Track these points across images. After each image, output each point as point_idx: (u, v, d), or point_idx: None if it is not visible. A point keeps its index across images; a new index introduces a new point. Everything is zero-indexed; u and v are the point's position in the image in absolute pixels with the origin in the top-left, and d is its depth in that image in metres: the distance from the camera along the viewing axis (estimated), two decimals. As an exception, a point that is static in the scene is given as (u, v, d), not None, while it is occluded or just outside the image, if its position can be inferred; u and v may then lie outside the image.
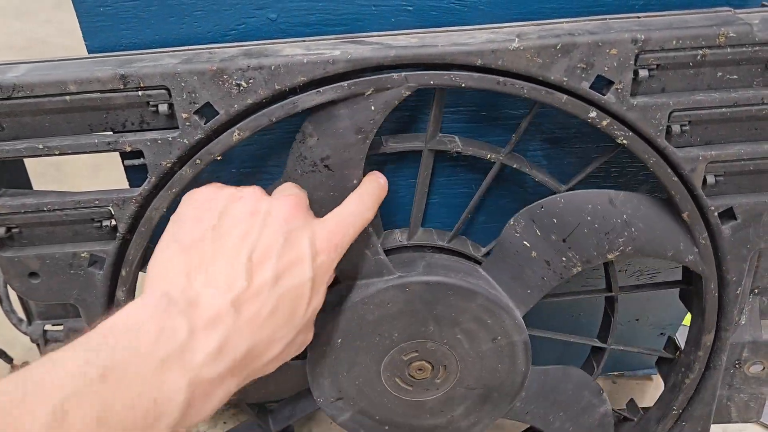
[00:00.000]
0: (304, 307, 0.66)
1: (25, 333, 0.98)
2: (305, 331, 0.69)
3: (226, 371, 0.59)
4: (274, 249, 0.64)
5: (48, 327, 0.97)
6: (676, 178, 0.75)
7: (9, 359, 1.39)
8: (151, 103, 0.70)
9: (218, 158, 0.73)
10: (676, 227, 0.79)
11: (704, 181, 0.76)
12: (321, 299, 0.69)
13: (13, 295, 0.93)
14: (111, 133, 0.73)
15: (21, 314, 0.99)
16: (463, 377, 0.85)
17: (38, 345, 0.98)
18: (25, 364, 1.39)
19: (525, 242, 0.80)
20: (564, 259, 0.80)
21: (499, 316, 0.81)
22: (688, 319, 1.24)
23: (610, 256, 0.80)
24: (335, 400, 0.87)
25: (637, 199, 0.79)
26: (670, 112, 0.71)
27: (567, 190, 0.83)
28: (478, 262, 0.86)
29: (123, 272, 0.79)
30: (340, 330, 0.81)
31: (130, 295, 0.82)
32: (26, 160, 0.84)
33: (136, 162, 0.73)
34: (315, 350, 0.83)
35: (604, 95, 0.70)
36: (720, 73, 0.71)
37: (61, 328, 0.95)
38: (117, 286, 0.81)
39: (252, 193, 0.69)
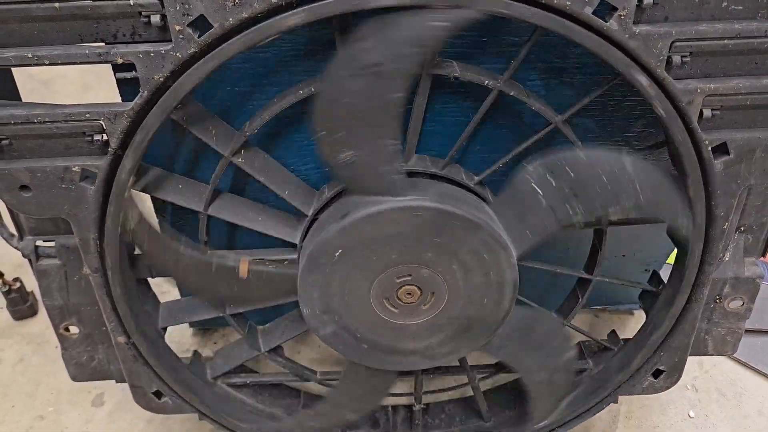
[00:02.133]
0: None
1: (16, 248, 0.97)
2: None
3: None
4: None
5: (39, 243, 0.97)
6: (673, 111, 0.75)
7: None
8: (143, 13, 0.68)
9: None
10: (678, 198, 0.81)
11: (700, 114, 0.76)
12: None
13: (4, 211, 0.93)
14: (102, 44, 0.71)
15: (12, 229, 0.99)
16: (449, 307, 0.87)
17: (30, 260, 0.98)
18: (17, 280, 1.41)
19: (538, 188, 0.81)
20: (569, 208, 0.81)
21: (497, 253, 0.82)
22: (671, 258, 1.27)
23: (611, 212, 0.82)
24: (321, 312, 0.88)
25: (650, 168, 0.80)
26: (672, 42, 0.71)
27: (564, 121, 0.83)
28: (472, 190, 0.87)
29: (114, 188, 0.79)
30: (340, 243, 0.81)
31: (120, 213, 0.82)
32: (15, 77, 0.83)
33: (127, 75, 0.72)
34: (310, 260, 0.83)
35: (606, 22, 0.69)
36: (725, 3, 0.70)
37: (52, 244, 0.95)
38: (108, 203, 0.80)
39: None
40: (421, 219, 0.79)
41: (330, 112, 0.74)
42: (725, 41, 0.71)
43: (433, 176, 0.87)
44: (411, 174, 0.86)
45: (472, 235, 0.81)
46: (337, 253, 0.82)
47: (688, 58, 0.72)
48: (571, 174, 0.79)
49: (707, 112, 0.76)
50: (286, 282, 0.87)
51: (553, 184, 0.80)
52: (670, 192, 0.80)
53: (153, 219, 0.90)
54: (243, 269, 0.86)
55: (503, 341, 0.94)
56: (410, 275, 0.84)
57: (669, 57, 0.72)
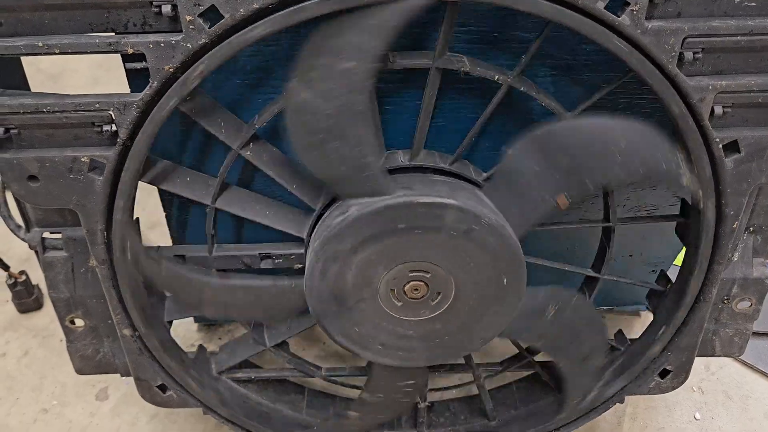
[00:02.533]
0: None
1: (23, 240, 0.97)
2: None
3: None
4: None
5: (46, 234, 0.97)
6: (684, 108, 0.74)
7: (6, 267, 1.40)
8: (154, 3, 0.68)
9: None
10: (674, 153, 0.79)
11: (711, 111, 0.76)
12: None
13: (11, 203, 0.93)
14: (113, 33, 0.71)
15: (19, 221, 0.99)
16: (456, 302, 0.86)
17: (36, 252, 0.98)
18: (22, 273, 1.41)
19: (525, 166, 0.79)
20: (561, 183, 0.79)
21: (489, 234, 0.81)
22: (679, 259, 1.26)
23: (602, 183, 0.80)
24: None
25: (641, 128, 0.78)
26: (684, 38, 0.70)
27: (574, 118, 0.82)
28: (479, 186, 0.86)
29: (123, 180, 0.79)
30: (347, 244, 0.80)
31: (130, 203, 0.82)
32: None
33: (137, 65, 0.72)
34: (322, 263, 0.82)
35: (618, 17, 0.69)
36: None
37: (59, 235, 0.95)
38: (116, 194, 0.80)
39: None
40: (416, 214, 0.79)
41: (300, 123, 0.75)
42: (738, 38, 0.71)
43: (441, 172, 0.87)
44: (419, 169, 0.86)
45: (461, 220, 0.79)
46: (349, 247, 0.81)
47: (700, 55, 0.72)
48: (558, 146, 0.78)
49: (719, 110, 0.75)
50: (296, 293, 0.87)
51: (542, 159, 0.78)
52: (663, 148, 0.78)
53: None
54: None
55: (526, 324, 0.92)
56: (416, 271, 0.83)
57: (681, 53, 0.71)
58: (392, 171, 0.85)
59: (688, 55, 0.71)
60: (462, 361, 1.07)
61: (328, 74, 0.71)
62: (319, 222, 0.88)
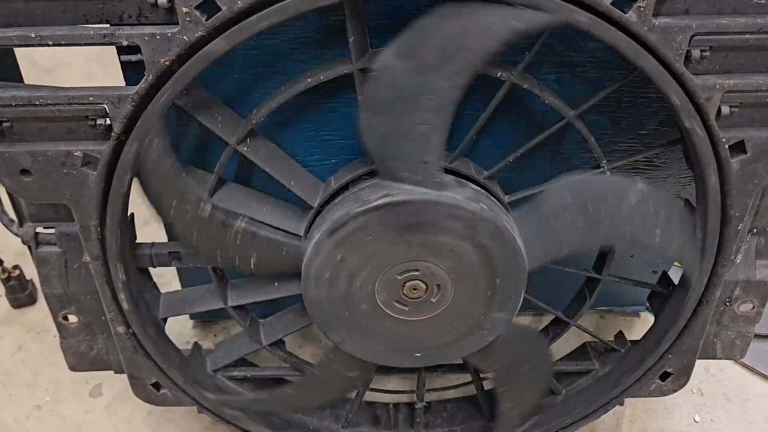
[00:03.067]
0: None
1: (16, 234, 0.96)
2: None
3: None
4: None
5: (40, 229, 0.95)
6: (691, 107, 0.73)
7: (-1, 262, 1.39)
8: (150, -6, 0.67)
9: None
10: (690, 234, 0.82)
11: (718, 111, 0.74)
12: None
13: (4, 197, 0.91)
14: (107, 25, 0.70)
15: (12, 215, 0.97)
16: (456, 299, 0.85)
17: (30, 247, 0.96)
18: (16, 267, 1.39)
19: (559, 208, 0.80)
20: (583, 236, 0.81)
21: (511, 264, 0.81)
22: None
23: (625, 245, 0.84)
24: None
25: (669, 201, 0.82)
26: (692, 36, 0.69)
27: (577, 116, 0.81)
28: (480, 184, 0.85)
29: (117, 175, 0.77)
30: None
31: (125, 199, 0.80)
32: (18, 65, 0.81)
33: (132, 58, 0.70)
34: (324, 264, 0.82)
35: (625, 13, 0.67)
36: (748, -3, 0.68)
37: (52, 231, 0.94)
38: (110, 189, 0.79)
39: None
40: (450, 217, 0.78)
41: (382, 86, 0.72)
42: (747, 36, 0.69)
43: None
44: (420, 167, 0.85)
45: (489, 234, 0.79)
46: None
47: (707, 53, 0.71)
48: (592, 200, 0.79)
49: (725, 109, 0.74)
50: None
51: (574, 207, 0.79)
52: (683, 232, 0.81)
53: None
54: None
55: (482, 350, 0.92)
56: (417, 270, 0.82)
57: (688, 51, 0.70)
58: (392, 168, 0.84)
59: (696, 53, 0.70)
60: (460, 361, 1.06)
61: (436, 48, 0.69)
62: (317, 219, 0.87)
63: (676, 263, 1.24)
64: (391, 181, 0.78)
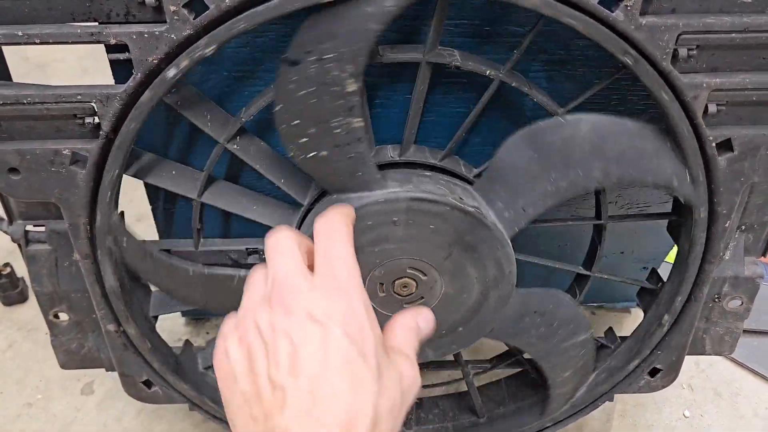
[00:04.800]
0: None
1: (5, 232, 0.96)
2: (387, 376, 0.58)
3: None
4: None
5: (29, 227, 0.95)
6: (677, 105, 0.73)
7: (-10, 260, 1.38)
8: (137, -8, 0.67)
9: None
10: (669, 156, 0.78)
11: (705, 109, 0.75)
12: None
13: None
14: (95, 23, 0.69)
15: (2, 213, 0.97)
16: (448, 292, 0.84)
17: (20, 245, 0.96)
18: (7, 265, 1.39)
19: (518, 163, 0.78)
20: (553, 181, 0.78)
21: (482, 233, 0.80)
22: (670, 256, 1.26)
23: (597, 182, 0.79)
24: None
25: (627, 129, 0.77)
26: (679, 35, 0.69)
27: (566, 114, 0.81)
28: (471, 183, 0.85)
29: (106, 174, 0.77)
30: None
31: (114, 198, 0.80)
32: (7, 58, 0.81)
33: (120, 56, 0.70)
34: None
35: (612, 12, 0.67)
36: (734, -5, 0.69)
37: (42, 229, 0.93)
38: (99, 188, 0.79)
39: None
40: (402, 210, 0.78)
41: (288, 112, 0.73)
42: (733, 35, 0.70)
43: (431, 168, 0.86)
44: (408, 165, 0.85)
45: (453, 220, 0.78)
46: None
47: (694, 51, 0.71)
48: (554, 144, 0.76)
49: (712, 108, 0.74)
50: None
51: (535, 156, 0.77)
52: (661, 156, 0.77)
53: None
54: None
55: (510, 325, 0.91)
56: (402, 269, 0.82)
57: (675, 50, 0.70)
58: (381, 166, 0.84)
59: (683, 51, 0.70)
60: (451, 357, 1.06)
61: (319, 61, 0.69)
62: (307, 217, 0.87)
63: (667, 259, 1.25)
64: (339, 194, 0.78)
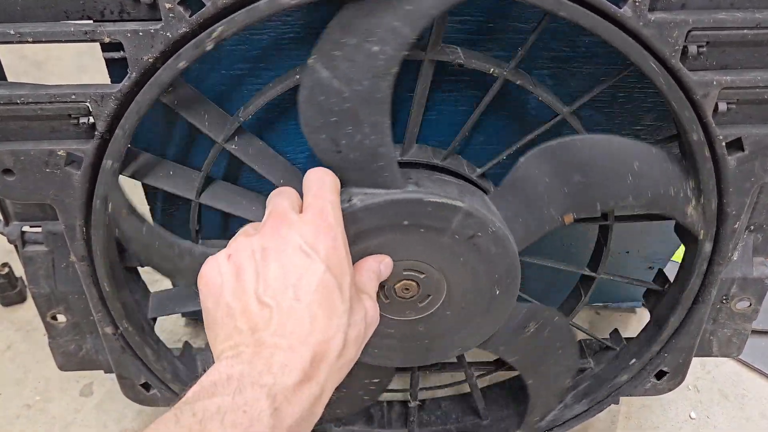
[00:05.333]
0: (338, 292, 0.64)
1: (2, 233, 0.94)
2: (356, 310, 0.67)
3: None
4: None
5: (26, 228, 0.94)
6: (687, 104, 0.71)
7: (-12, 260, 1.37)
8: (132, -11, 0.65)
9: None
10: (683, 185, 0.77)
11: (715, 108, 0.73)
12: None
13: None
14: (89, 21, 0.68)
15: (-2, 214, 0.96)
16: (450, 298, 0.83)
17: (16, 246, 0.95)
18: (5, 265, 1.38)
19: (538, 178, 0.77)
20: (571, 201, 0.77)
21: (495, 244, 0.78)
22: (676, 255, 1.24)
23: (616, 207, 0.79)
24: None
25: (652, 152, 0.76)
26: (689, 31, 0.67)
27: (572, 113, 0.79)
28: (473, 183, 0.84)
29: (101, 174, 0.76)
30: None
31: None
32: (3, 56, 0.79)
33: (115, 55, 0.68)
34: None
35: (620, 8, 0.66)
36: (746, -9, 0.67)
37: (39, 230, 0.92)
38: (95, 189, 0.77)
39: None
40: (423, 213, 0.76)
41: (315, 103, 0.71)
42: (744, 31, 0.68)
43: (433, 167, 0.84)
44: (410, 165, 0.83)
45: (465, 223, 0.76)
46: None
47: (704, 48, 0.69)
48: (572, 160, 0.75)
49: (722, 106, 0.72)
50: None
51: (553, 172, 0.76)
52: (675, 175, 0.76)
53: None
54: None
55: (504, 338, 0.91)
56: (408, 270, 0.81)
57: (685, 47, 0.68)
58: (383, 166, 0.83)
59: (692, 48, 0.68)
60: (454, 359, 1.05)
61: (353, 55, 0.67)
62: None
63: (673, 258, 1.24)
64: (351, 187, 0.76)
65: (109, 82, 0.76)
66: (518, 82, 0.77)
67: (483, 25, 0.79)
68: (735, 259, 0.93)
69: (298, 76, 0.76)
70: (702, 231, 0.81)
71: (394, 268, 0.79)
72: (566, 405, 1.04)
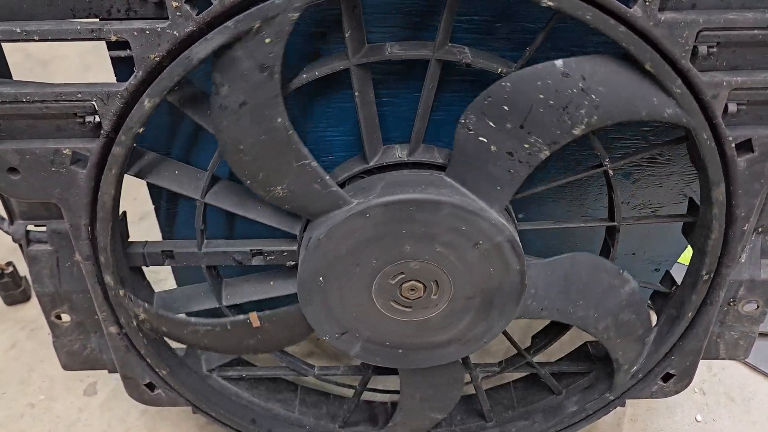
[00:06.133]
0: None
1: (6, 232, 0.94)
2: None
3: None
4: None
5: (31, 227, 0.94)
6: (696, 105, 0.71)
7: (-7, 259, 1.37)
8: (138, -13, 0.65)
9: (211, 54, 0.67)
10: (644, 82, 0.70)
11: (725, 109, 0.72)
12: None
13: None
14: (96, 19, 0.68)
15: (2, 213, 0.96)
16: (458, 289, 0.83)
17: (21, 245, 0.95)
18: (9, 264, 1.37)
19: (481, 138, 0.74)
20: (526, 145, 0.74)
21: (473, 221, 0.78)
22: (683, 257, 1.23)
23: (576, 131, 0.73)
24: (340, 335, 0.87)
25: (591, 62, 0.71)
26: (699, 31, 0.66)
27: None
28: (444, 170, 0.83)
29: (107, 173, 0.75)
30: (318, 267, 0.81)
31: (116, 199, 0.78)
32: (9, 55, 0.79)
33: (122, 53, 0.68)
34: (302, 294, 0.83)
35: (630, 8, 0.65)
36: (757, -9, 0.66)
37: (44, 229, 0.92)
38: (100, 188, 0.77)
39: None
40: (375, 218, 0.77)
41: (239, 161, 0.74)
42: (755, 31, 0.67)
43: (438, 167, 0.83)
44: (416, 165, 0.83)
45: (435, 213, 0.77)
46: (321, 278, 0.81)
47: (714, 49, 0.68)
48: (505, 107, 0.72)
49: (732, 107, 0.72)
50: (297, 317, 0.87)
51: (492, 125, 0.73)
52: (628, 79, 0.71)
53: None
54: (254, 320, 0.88)
55: (541, 301, 0.88)
56: (403, 272, 0.81)
57: (695, 47, 0.68)
58: (390, 167, 0.82)
59: (703, 49, 0.68)
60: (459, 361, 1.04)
61: (234, 110, 0.70)
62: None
63: (680, 260, 1.23)
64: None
65: (115, 81, 0.76)
66: (526, 82, 0.76)
67: (491, 25, 0.78)
68: (743, 261, 0.93)
69: (305, 75, 0.76)
70: (690, 120, 0.73)
71: (387, 277, 0.80)
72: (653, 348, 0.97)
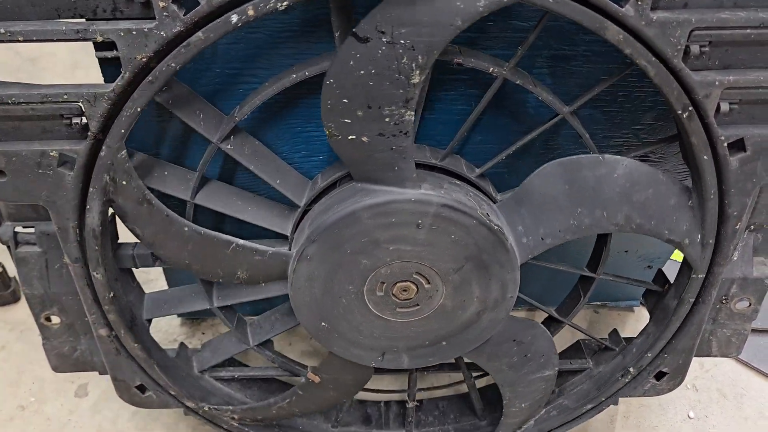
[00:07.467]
0: None
1: (-6, 234, 0.93)
2: None
3: None
4: None
5: (19, 229, 0.92)
6: (688, 104, 0.70)
7: (-19, 261, 1.35)
8: (124, -13, 0.64)
9: (199, 55, 0.66)
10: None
11: (717, 108, 0.72)
12: None
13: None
14: (81, 20, 0.66)
15: (-10, 215, 0.95)
16: (442, 268, 0.81)
17: (9, 247, 0.93)
18: (-1, 266, 1.36)
19: (350, 137, 0.74)
20: (387, 119, 0.73)
21: (395, 209, 0.77)
22: (675, 254, 1.24)
23: (415, 80, 0.71)
24: (382, 357, 0.89)
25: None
26: (691, 30, 0.66)
27: (571, 112, 0.79)
28: (472, 183, 0.83)
29: (95, 175, 0.74)
30: (314, 319, 0.83)
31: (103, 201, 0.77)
32: (1, 55, 0.78)
33: (108, 54, 0.67)
34: (329, 347, 0.86)
35: (622, 7, 0.65)
36: (749, -10, 0.66)
37: (32, 230, 0.91)
38: (88, 190, 0.76)
39: None
40: (319, 254, 0.78)
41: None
42: (748, 30, 0.67)
43: (431, 167, 0.83)
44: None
45: (358, 222, 0.77)
46: (323, 323, 0.84)
47: (706, 48, 0.68)
48: (346, 100, 0.71)
49: (725, 106, 0.71)
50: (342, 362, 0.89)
51: (348, 121, 0.73)
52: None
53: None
54: (313, 377, 0.94)
55: (538, 230, 0.85)
56: (382, 281, 0.81)
57: (687, 46, 0.67)
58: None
59: (695, 48, 0.67)
60: (452, 360, 1.04)
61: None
62: (304, 218, 0.85)
63: (672, 257, 1.23)
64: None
65: (103, 81, 0.75)
66: (518, 82, 0.76)
67: (482, 24, 0.77)
68: (735, 259, 0.93)
69: (295, 75, 0.75)
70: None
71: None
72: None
